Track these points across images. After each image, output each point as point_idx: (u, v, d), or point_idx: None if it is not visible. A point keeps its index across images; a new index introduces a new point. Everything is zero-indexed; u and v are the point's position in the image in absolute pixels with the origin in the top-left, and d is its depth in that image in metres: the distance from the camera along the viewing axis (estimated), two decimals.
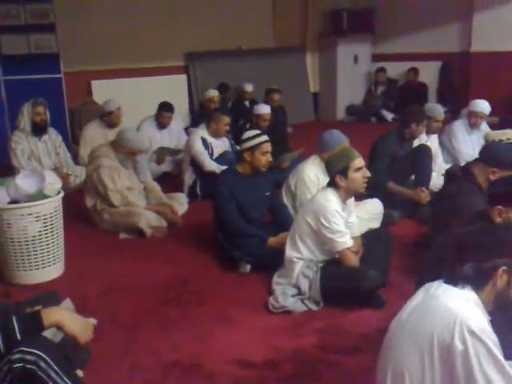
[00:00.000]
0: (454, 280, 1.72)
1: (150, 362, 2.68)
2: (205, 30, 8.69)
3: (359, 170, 3.12)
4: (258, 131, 3.98)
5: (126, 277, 3.72)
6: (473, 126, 5.36)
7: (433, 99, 9.15)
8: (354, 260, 3.17)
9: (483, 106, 5.40)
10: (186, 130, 6.81)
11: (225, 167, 4.54)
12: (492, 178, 3.13)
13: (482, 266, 1.70)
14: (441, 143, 5.34)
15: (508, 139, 3.76)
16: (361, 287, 3.01)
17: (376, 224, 4.11)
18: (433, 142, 5.12)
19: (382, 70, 9.66)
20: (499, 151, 3.21)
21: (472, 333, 1.61)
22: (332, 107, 9.90)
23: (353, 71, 9.90)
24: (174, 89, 8.49)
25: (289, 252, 3.24)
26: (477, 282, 1.71)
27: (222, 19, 8.87)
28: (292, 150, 6.28)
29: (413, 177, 4.73)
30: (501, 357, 1.63)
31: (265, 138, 3.80)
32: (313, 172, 4.06)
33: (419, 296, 1.83)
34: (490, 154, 3.22)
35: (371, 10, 9.85)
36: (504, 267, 1.69)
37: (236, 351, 2.75)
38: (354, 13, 9.70)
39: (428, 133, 5.03)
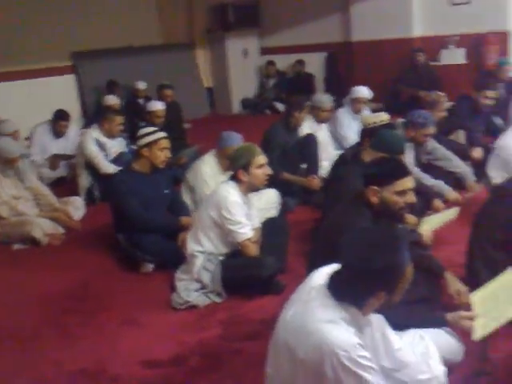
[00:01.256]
0: (336, 295, 1.73)
1: (52, 373, 2.63)
2: (92, 28, 8.44)
3: (261, 167, 3.24)
4: (155, 128, 3.99)
5: (23, 288, 3.59)
6: (356, 111, 5.66)
7: (321, 89, 9.49)
8: (254, 250, 3.27)
9: (363, 91, 5.73)
10: None
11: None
12: None
13: (367, 290, 1.70)
14: (330, 132, 5.60)
15: (382, 121, 3.99)
16: (259, 274, 3.13)
17: (273, 213, 4.25)
18: (322, 130, 5.38)
19: (271, 63, 9.84)
20: (389, 138, 3.42)
21: (342, 365, 1.62)
22: (227, 101, 9.99)
23: (243, 65, 10.02)
24: (63, 90, 8.26)
25: (191, 246, 3.28)
26: (357, 301, 1.73)
27: (109, 16, 8.68)
28: (190, 146, 6.31)
29: (304, 165, 4.95)
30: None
31: (163, 134, 3.82)
32: (208, 166, 4.14)
33: (304, 291, 1.83)
34: (379, 140, 3.40)
35: (256, 3, 10.00)
36: (384, 292, 1.71)
37: (142, 352, 2.75)
38: (238, 7, 9.77)
39: (317, 122, 5.28)
